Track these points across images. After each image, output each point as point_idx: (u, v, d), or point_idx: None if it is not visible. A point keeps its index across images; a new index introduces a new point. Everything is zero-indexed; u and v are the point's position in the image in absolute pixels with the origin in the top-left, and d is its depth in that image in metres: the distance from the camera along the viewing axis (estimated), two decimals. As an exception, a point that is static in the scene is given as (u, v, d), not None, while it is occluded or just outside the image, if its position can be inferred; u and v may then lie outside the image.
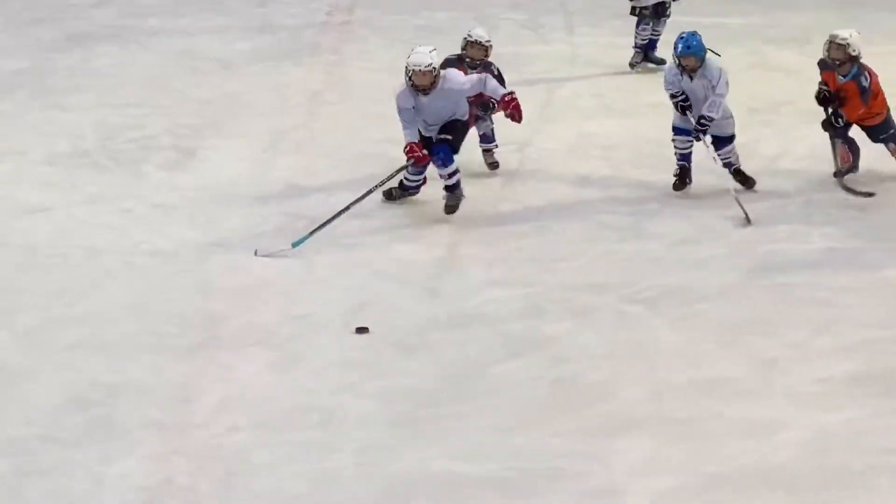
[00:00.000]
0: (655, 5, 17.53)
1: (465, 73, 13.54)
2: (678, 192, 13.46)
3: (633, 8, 17.62)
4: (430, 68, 12.63)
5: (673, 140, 13.49)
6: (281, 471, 9.43)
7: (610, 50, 18.62)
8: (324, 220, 12.44)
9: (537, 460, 9.53)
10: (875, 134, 13.57)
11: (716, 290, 11.82)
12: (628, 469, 9.41)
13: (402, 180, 13.33)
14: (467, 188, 13.49)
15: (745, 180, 13.48)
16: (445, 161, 12.90)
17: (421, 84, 12.66)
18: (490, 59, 13.99)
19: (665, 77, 13.51)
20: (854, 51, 12.90)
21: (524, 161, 14.88)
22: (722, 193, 13.26)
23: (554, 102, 16.69)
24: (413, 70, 12.59)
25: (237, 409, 10.07)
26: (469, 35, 13.94)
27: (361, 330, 10.89)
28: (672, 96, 13.29)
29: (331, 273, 12.17)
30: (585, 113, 16.35)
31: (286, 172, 14.56)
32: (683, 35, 13.23)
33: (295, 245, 12.19)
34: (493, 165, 14.39)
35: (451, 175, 12.95)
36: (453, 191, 13.05)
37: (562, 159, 14.72)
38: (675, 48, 13.21)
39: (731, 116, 13.35)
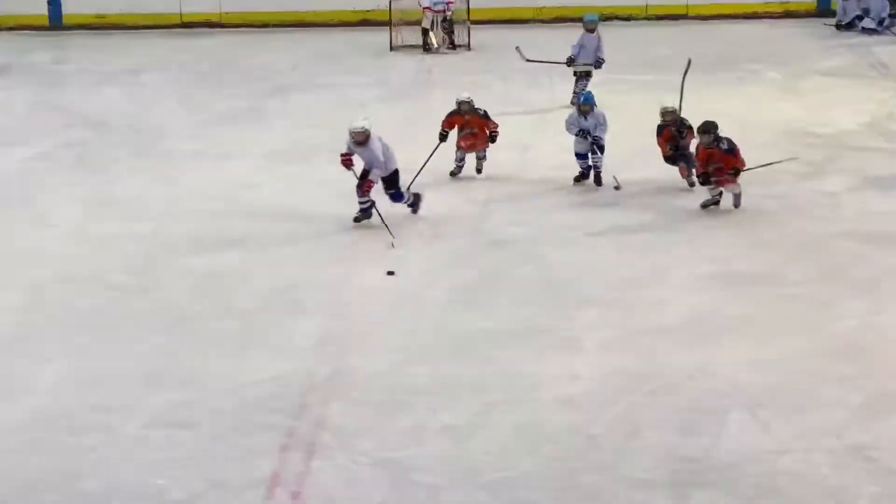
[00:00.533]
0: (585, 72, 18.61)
1: (462, 120, 15.60)
2: (578, 183, 15.35)
3: (574, 70, 18.74)
4: (362, 130, 13.63)
5: (577, 159, 15.28)
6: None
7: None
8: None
9: (525, 320, 11.67)
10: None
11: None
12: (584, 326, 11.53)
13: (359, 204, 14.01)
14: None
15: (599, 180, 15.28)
16: (397, 200, 14.10)
17: (356, 140, 13.68)
18: (476, 107, 15.49)
19: (567, 121, 15.27)
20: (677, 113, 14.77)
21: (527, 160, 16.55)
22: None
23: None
24: (350, 131, 13.69)
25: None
26: (458, 97, 15.58)
27: (391, 273, 12.65)
28: (578, 132, 15.07)
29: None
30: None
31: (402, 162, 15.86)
32: (584, 92, 16.00)
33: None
34: (479, 171, 15.83)
35: (407, 205, 14.25)
36: (414, 206, 14.29)
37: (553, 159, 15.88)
38: (579, 100, 15.60)
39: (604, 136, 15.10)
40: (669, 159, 14.99)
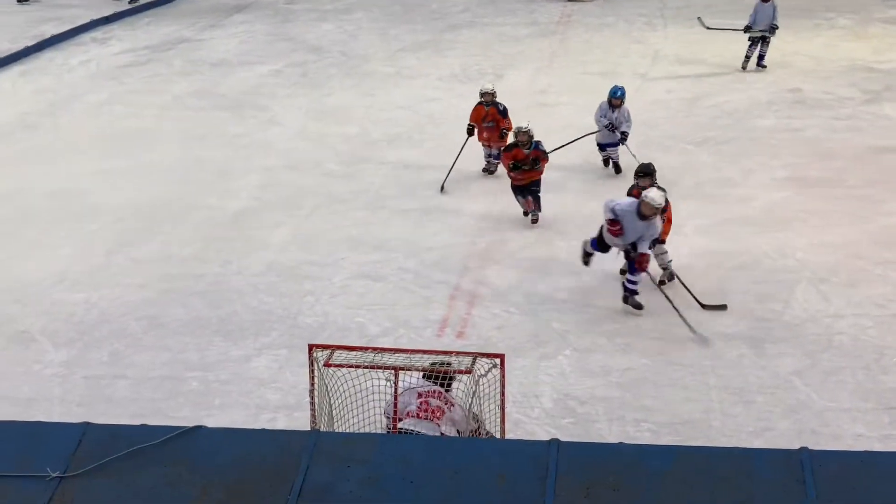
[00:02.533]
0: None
1: (483, 111, 12.11)
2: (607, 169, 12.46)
3: (750, 36, 16.08)
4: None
5: (599, 150, 12.42)
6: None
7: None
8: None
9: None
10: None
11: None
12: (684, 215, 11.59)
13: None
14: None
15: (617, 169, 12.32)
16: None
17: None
18: (496, 100, 12.19)
19: (597, 112, 12.23)
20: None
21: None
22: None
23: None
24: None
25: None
26: (482, 88, 12.26)
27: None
28: (608, 125, 12.09)
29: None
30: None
31: (542, 84, 15.84)
32: (616, 86, 12.22)
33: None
34: (489, 172, 12.43)
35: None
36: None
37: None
38: (610, 93, 12.10)
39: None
40: (516, 189, 11.16)
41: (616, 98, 12.14)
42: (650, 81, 16.24)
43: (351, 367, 6.59)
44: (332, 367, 6.59)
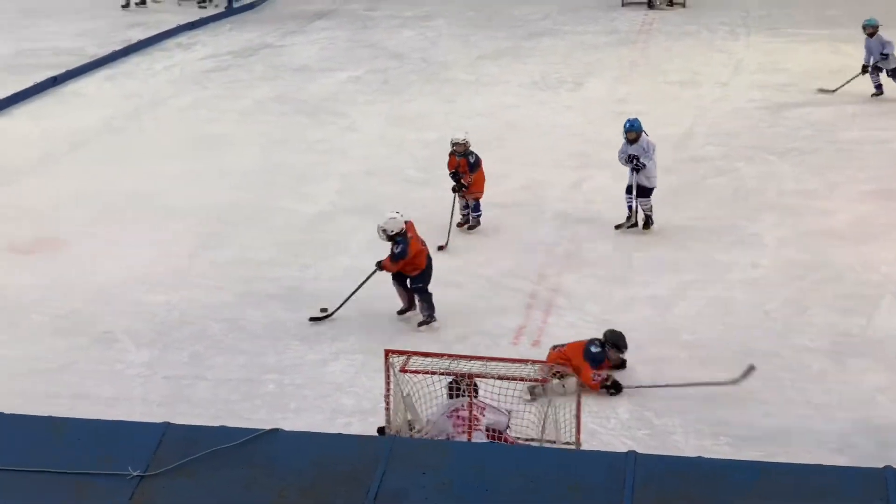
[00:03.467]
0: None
1: (455, 162, 10.95)
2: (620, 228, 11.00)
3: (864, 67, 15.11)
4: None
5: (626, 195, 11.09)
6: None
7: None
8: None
9: (717, 219, 11.62)
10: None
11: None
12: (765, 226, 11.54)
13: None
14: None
15: (647, 224, 10.95)
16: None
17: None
18: (469, 150, 11.04)
19: (619, 154, 11.06)
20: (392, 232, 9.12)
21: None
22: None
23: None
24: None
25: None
26: (453, 138, 11.11)
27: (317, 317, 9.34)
28: (628, 158, 10.88)
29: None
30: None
31: (621, 93, 15.68)
32: (628, 119, 11.02)
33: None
34: (466, 226, 11.09)
35: None
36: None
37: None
38: (624, 126, 10.96)
39: (655, 177, 10.90)
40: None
41: (628, 131, 10.90)
42: (732, 90, 16.04)
43: (427, 373, 6.61)
44: (407, 373, 6.61)
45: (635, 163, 10.88)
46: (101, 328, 9.29)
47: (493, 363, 6.70)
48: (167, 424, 5.24)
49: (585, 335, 8.79)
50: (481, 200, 11.04)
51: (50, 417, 5.49)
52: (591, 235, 11.05)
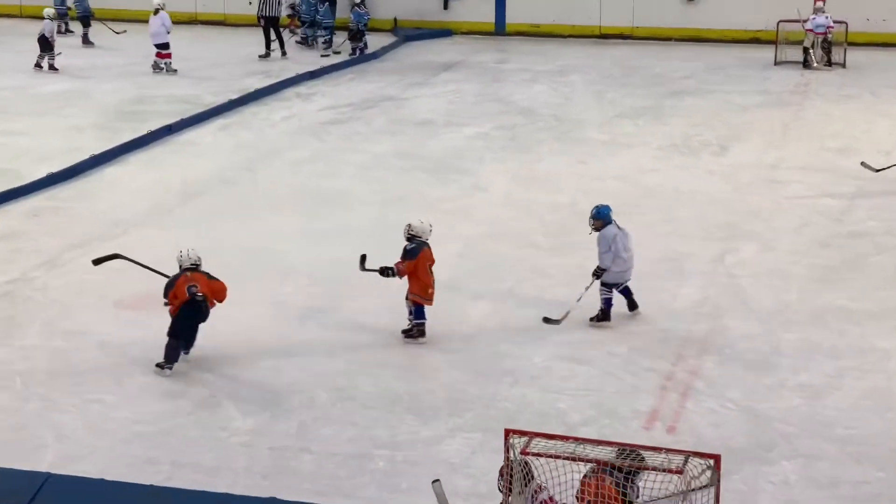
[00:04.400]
0: None
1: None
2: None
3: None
4: None
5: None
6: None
7: None
8: None
9: (879, 301, 11.44)
10: None
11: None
12: None
13: None
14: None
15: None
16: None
17: None
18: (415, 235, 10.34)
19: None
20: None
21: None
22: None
23: None
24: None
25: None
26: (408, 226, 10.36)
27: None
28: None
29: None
30: None
31: (772, 159, 15.73)
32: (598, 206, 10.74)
33: None
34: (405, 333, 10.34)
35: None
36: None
37: None
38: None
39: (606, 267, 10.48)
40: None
41: (593, 219, 10.62)
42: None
43: (550, 457, 6.52)
44: (529, 456, 6.54)
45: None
46: (206, 392, 9.47)
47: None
48: (273, 500, 5.27)
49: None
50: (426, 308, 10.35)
51: (153, 487, 5.57)
52: (734, 313, 10.91)
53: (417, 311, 10.25)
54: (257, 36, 23.91)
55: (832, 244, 12.51)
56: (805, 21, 22.41)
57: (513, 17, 26.73)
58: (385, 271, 10.31)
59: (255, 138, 17.71)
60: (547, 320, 10.58)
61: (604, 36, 26.07)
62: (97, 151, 16.17)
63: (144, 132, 17.23)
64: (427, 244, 10.27)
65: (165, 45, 22.27)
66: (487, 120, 18.61)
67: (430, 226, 10.29)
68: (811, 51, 22.42)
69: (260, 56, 23.64)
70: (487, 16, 26.86)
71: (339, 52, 23.99)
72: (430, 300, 10.29)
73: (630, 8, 25.98)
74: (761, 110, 19.07)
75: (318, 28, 24.72)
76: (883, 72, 21.51)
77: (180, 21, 26.81)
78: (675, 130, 17.80)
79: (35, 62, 22.16)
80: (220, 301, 9.82)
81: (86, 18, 25.28)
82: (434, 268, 10.44)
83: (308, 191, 14.93)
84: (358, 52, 23.86)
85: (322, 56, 23.76)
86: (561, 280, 11.66)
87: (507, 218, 13.78)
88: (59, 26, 24.33)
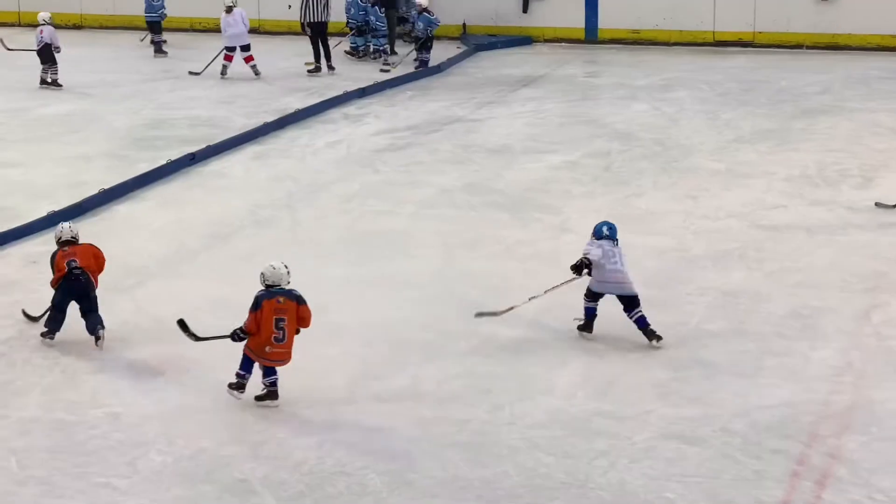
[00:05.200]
0: None
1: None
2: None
3: None
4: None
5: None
6: None
7: None
8: None
9: None
10: None
11: None
12: None
13: None
14: None
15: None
16: None
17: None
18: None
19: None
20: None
21: None
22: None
23: None
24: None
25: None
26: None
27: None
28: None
29: None
30: None
31: None
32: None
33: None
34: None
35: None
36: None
37: None
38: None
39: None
40: None
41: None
42: None
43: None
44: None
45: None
46: (236, 475, 9.50)
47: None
48: None
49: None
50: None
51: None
52: (884, 382, 10.80)
53: (266, 371, 10.50)
54: (296, 46, 24.25)
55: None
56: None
57: (607, 20, 26.96)
58: (235, 335, 10.61)
59: (295, 169, 17.90)
60: (482, 314, 11.84)
61: (718, 43, 26.20)
62: (107, 185, 16.44)
63: (163, 162, 17.48)
64: (279, 292, 10.45)
65: (248, 46, 23.11)
66: (576, 146, 18.67)
67: (286, 268, 10.54)
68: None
69: (308, 70, 23.96)
70: (576, 20, 27.13)
71: (395, 65, 24.20)
72: (265, 359, 10.49)
73: (751, 9, 26.06)
74: (914, 134, 18.99)
75: (369, 35, 25.01)
76: None
77: (207, 28, 27.40)
78: (808, 158, 17.72)
79: (40, 78, 22.63)
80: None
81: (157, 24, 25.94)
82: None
83: (359, 232, 15.06)
84: (421, 64, 24.09)
85: (382, 70, 24.04)
86: (667, 341, 11.63)
87: (601, 265, 13.76)
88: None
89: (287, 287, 10.56)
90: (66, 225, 12.18)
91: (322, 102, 21.31)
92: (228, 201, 16.27)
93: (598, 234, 11.90)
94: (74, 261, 11.66)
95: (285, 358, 10.56)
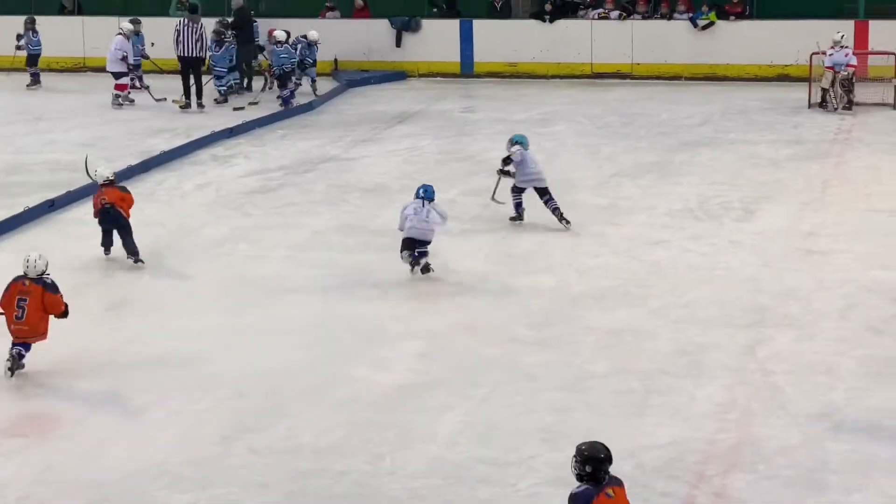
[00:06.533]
0: None
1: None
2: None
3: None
4: None
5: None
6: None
7: None
8: None
9: None
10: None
11: None
12: None
13: None
14: None
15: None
16: None
17: None
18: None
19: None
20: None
21: None
22: None
23: None
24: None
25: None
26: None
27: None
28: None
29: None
30: None
31: (810, 225, 16.17)
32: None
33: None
34: None
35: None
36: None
37: None
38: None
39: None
40: None
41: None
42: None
43: None
44: None
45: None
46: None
47: None
48: None
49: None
50: None
51: None
52: (769, 419, 10.94)
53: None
54: (166, 83, 24.07)
55: (886, 330, 12.60)
56: (823, 55, 23.09)
57: (482, 54, 27.31)
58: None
59: (162, 213, 17.73)
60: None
61: (597, 75, 26.60)
62: (-45, 235, 16.19)
63: (20, 210, 17.20)
64: (23, 277, 11.95)
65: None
66: (454, 183, 18.73)
67: (39, 259, 11.99)
68: (830, 91, 23.04)
69: (180, 106, 24.08)
70: (451, 54, 27.42)
71: (254, 104, 24.24)
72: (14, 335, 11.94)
73: (629, 40, 26.45)
74: (794, 164, 19.43)
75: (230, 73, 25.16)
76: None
77: (66, 68, 27.14)
78: (689, 191, 18.02)
79: None
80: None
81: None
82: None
83: (231, 278, 14.95)
84: (284, 102, 24.03)
85: (235, 109, 24.09)
86: (550, 383, 11.72)
87: (483, 307, 13.87)
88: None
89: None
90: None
91: (189, 143, 21.17)
92: (90, 250, 15.95)
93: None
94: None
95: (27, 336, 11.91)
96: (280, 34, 24.24)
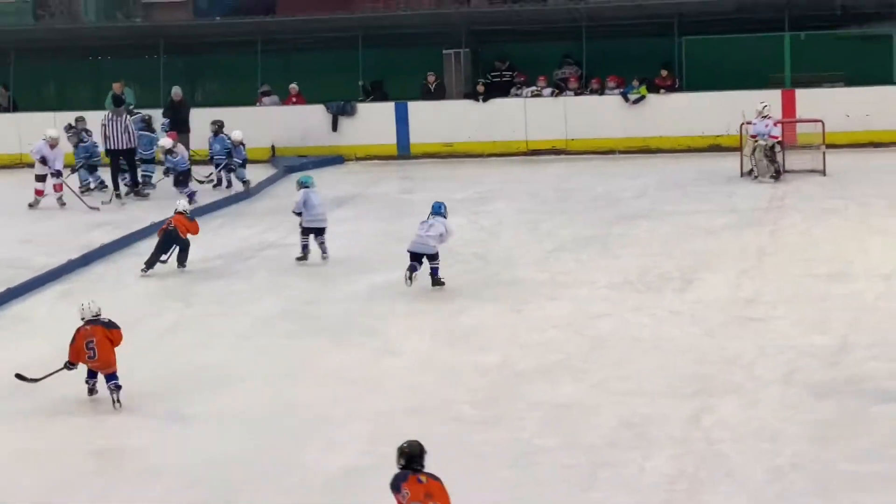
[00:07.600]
0: None
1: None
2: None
3: None
4: None
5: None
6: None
7: None
8: None
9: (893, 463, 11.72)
10: None
11: None
12: None
13: None
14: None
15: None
16: None
17: None
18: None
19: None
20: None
21: None
22: None
23: None
24: None
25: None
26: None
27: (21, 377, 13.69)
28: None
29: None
30: None
31: (748, 292, 16.32)
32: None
33: None
34: None
35: None
36: None
37: None
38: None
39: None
40: None
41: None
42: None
43: None
44: None
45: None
46: None
47: None
48: None
49: None
50: None
51: None
52: (717, 488, 10.96)
53: (89, 372, 13.40)
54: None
55: (829, 394, 12.69)
56: (749, 125, 23.48)
57: (418, 135, 27.52)
58: (67, 365, 13.42)
59: (105, 306, 17.37)
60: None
61: (532, 152, 26.80)
62: None
63: (-41, 308, 17.07)
64: (88, 322, 13.42)
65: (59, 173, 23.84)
66: (394, 265, 18.58)
67: (92, 303, 13.64)
68: (752, 158, 23.42)
69: (103, 202, 23.86)
70: (387, 136, 27.58)
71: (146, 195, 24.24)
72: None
73: (562, 116, 26.70)
74: (730, 233, 19.61)
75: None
76: (869, 178, 22.20)
77: (3, 165, 27.06)
78: (628, 264, 18.13)
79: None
80: None
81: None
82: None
83: (174, 369, 14.84)
84: (189, 198, 23.45)
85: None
86: (499, 462, 11.69)
87: (427, 387, 13.83)
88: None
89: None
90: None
91: (129, 235, 21.09)
92: (32, 346, 15.78)
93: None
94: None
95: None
96: (166, 142, 24.12)
